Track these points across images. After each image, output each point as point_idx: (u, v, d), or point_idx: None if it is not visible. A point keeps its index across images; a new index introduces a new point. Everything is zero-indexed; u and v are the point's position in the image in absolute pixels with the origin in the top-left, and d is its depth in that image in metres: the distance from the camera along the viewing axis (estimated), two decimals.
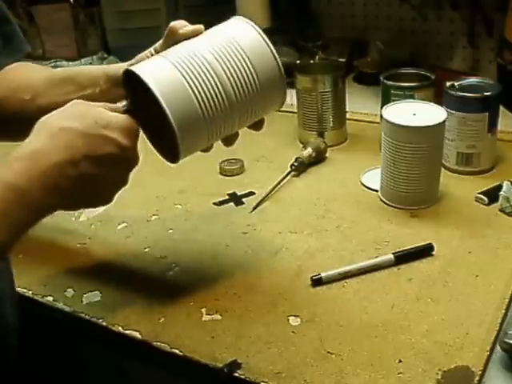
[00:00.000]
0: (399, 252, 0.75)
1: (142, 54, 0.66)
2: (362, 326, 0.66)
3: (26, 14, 1.56)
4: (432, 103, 0.87)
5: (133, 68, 0.59)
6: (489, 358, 0.61)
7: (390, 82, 0.95)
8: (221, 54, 0.60)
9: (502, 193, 0.83)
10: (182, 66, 0.58)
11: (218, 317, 0.69)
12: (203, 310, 0.70)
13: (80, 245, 0.84)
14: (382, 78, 0.96)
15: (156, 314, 0.70)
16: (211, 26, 0.64)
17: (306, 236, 0.81)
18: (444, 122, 0.83)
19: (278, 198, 0.91)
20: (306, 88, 1.02)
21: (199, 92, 0.58)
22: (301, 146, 1.04)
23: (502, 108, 0.92)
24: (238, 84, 0.60)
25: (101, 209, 0.90)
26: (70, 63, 1.42)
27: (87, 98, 0.60)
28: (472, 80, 0.93)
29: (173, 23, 0.63)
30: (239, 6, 1.35)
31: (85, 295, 0.74)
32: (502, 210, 0.83)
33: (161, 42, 0.65)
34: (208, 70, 0.59)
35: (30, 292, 0.76)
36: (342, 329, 0.66)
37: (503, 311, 0.66)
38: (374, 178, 0.91)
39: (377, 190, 0.89)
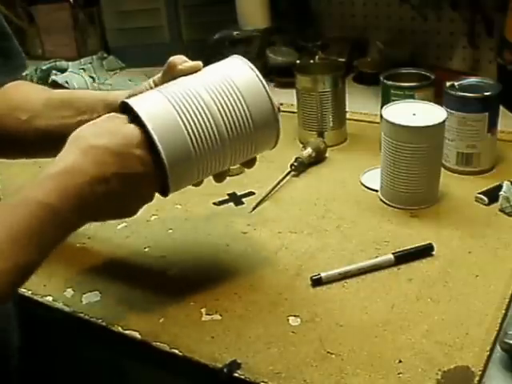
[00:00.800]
0: (399, 252, 0.75)
1: (142, 86, 0.66)
2: (362, 326, 0.66)
3: (25, 14, 1.56)
4: (432, 103, 0.87)
5: (129, 101, 0.60)
6: (489, 358, 0.61)
7: (390, 82, 0.94)
8: (216, 92, 0.61)
9: (502, 193, 0.83)
10: (176, 101, 0.59)
11: (218, 317, 0.69)
12: (203, 310, 0.70)
13: (80, 245, 0.84)
14: (381, 78, 0.96)
15: (156, 314, 0.70)
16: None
17: (305, 236, 0.81)
18: (444, 121, 0.83)
19: (277, 198, 0.91)
20: (305, 88, 1.02)
21: (192, 129, 0.59)
22: (301, 146, 1.04)
23: (502, 108, 0.92)
24: (232, 122, 0.61)
25: None
26: (70, 63, 1.42)
27: (84, 123, 0.60)
28: (472, 80, 0.93)
29: (172, 58, 0.64)
30: (239, 5, 1.35)
31: (84, 295, 0.74)
32: (502, 210, 0.83)
33: (159, 75, 0.65)
34: (202, 108, 0.60)
35: (30, 292, 0.76)
36: (342, 329, 0.66)
37: (503, 311, 0.66)
38: (373, 178, 0.91)
39: (377, 190, 0.89)
